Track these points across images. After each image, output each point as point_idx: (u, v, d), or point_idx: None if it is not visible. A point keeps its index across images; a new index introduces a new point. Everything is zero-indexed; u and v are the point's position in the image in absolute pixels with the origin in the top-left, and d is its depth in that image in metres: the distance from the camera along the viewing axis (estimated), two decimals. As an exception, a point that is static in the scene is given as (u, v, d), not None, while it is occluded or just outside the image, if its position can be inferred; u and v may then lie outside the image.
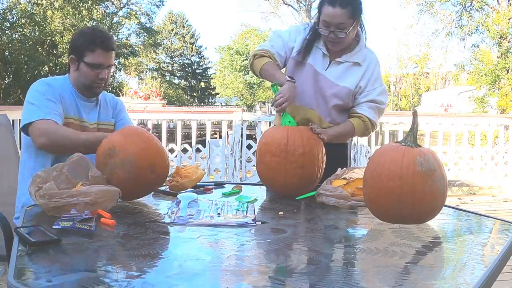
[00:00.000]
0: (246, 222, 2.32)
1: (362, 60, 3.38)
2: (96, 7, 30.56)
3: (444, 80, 48.74)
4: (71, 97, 3.18)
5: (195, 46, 63.12)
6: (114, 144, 2.58)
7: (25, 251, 1.83)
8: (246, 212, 2.50)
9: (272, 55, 3.39)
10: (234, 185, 3.24)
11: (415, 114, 2.42)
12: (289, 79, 3.16)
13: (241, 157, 8.21)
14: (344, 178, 2.85)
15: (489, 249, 2.13)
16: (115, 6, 37.24)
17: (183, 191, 2.93)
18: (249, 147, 8.33)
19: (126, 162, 2.55)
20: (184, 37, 62.24)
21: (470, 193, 9.19)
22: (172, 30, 61.91)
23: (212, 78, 63.10)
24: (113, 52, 3.22)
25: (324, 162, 3.01)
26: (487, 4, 25.06)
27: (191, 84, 63.07)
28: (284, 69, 3.48)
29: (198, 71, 63.69)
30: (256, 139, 9.46)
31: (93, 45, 3.11)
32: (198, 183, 3.09)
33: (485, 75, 20.15)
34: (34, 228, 2.07)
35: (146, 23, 42.73)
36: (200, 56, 64.11)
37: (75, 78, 3.19)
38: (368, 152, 8.28)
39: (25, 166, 3.17)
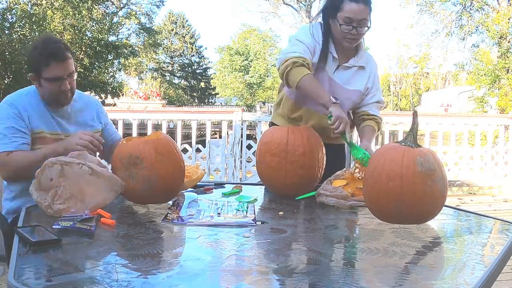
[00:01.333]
0: (246, 222, 2.33)
1: (365, 63, 3.42)
2: (96, 7, 30.52)
3: (444, 80, 48.75)
4: (41, 110, 3.13)
5: (195, 46, 63.19)
6: (142, 155, 2.51)
7: (25, 251, 1.83)
8: (246, 212, 2.50)
9: (309, 64, 3.21)
10: (234, 185, 3.23)
11: (415, 114, 2.42)
12: (334, 100, 3.04)
13: (241, 157, 8.21)
14: (343, 179, 2.85)
15: (489, 249, 2.13)
16: (115, 6, 37.22)
17: (183, 191, 2.92)
18: (249, 147, 8.33)
19: (147, 180, 2.52)
20: (184, 37, 62.30)
21: (470, 193, 9.19)
22: (172, 30, 61.99)
23: (212, 78, 63.11)
24: (69, 60, 3.07)
25: (324, 162, 3.01)
26: (487, 4, 25.03)
27: (191, 84, 63.14)
28: None
29: (198, 71, 63.78)
30: (256, 139, 9.46)
31: (45, 60, 2.99)
32: (198, 183, 3.09)
33: (484, 75, 20.10)
34: (34, 228, 2.07)
35: (146, 23, 42.71)
36: (200, 56, 64.19)
37: (41, 94, 3.12)
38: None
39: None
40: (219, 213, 2.46)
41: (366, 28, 3.21)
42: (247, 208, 2.58)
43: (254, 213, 2.50)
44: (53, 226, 2.12)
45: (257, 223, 2.34)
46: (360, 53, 3.41)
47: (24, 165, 2.86)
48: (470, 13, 26.68)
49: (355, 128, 3.55)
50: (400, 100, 51.54)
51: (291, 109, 3.50)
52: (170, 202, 2.66)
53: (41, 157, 2.68)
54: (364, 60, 3.43)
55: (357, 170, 2.85)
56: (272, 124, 3.68)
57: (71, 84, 3.09)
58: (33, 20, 26.24)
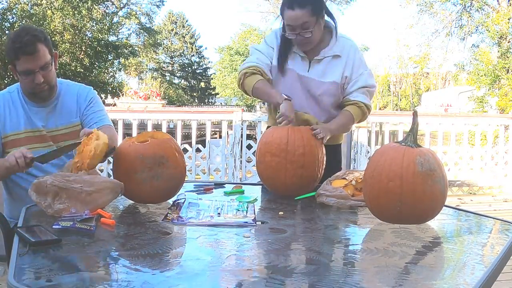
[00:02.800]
0: (246, 222, 2.33)
1: (340, 50, 3.36)
2: (96, 7, 30.55)
3: (444, 80, 48.78)
4: (19, 109, 3.12)
5: (195, 46, 63.20)
6: (166, 155, 2.59)
7: (25, 251, 1.83)
8: (246, 212, 2.50)
9: (262, 70, 3.34)
10: (234, 185, 3.23)
11: (415, 114, 2.42)
12: (285, 97, 3.14)
13: (241, 157, 8.21)
14: (344, 179, 2.85)
15: (489, 249, 2.13)
16: (115, 6, 37.25)
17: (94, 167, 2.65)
18: (249, 147, 8.33)
19: (173, 178, 2.63)
20: (184, 37, 62.31)
21: (470, 193, 9.19)
22: (172, 30, 61.99)
23: (212, 79, 63.11)
24: (39, 52, 2.96)
25: (324, 162, 3.01)
26: (487, 4, 25.07)
27: (191, 84, 63.16)
28: None
29: (198, 71, 63.79)
30: (256, 139, 9.46)
31: (14, 53, 2.95)
32: (199, 183, 3.10)
33: (484, 75, 20.10)
34: (34, 228, 2.08)
35: (146, 23, 42.77)
36: (200, 56, 64.19)
37: (21, 87, 3.12)
38: (368, 152, 8.27)
39: None
40: (219, 213, 2.47)
41: (310, 32, 3.18)
42: (247, 208, 2.58)
43: (254, 213, 2.50)
44: (53, 226, 2.12)
45: (257, 223, 2.34)
46: (332, 41, 3.36)
47: None
48: (470, 13, 26.71)
49: None
50: (400, 100, 51.58)
51: (275, 111, 3.54)
52: (170, 202, 2.66)
53: None
54: (339, 48, 3.37)
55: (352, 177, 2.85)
56: (268, 127, 3.68)
57: (45, 77, 3.03)
58: (33, 20, 26.23)
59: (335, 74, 3.35)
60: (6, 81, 25.99)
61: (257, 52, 3.42)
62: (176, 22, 62.51)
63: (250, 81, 3.32)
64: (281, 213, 2.57)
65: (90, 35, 30.12)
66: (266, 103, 3.75)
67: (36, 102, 3.14)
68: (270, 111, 3.65)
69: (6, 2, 27.84)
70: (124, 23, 38.18)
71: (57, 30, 27.90)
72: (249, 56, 3.48)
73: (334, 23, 3.38)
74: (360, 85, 3.37)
